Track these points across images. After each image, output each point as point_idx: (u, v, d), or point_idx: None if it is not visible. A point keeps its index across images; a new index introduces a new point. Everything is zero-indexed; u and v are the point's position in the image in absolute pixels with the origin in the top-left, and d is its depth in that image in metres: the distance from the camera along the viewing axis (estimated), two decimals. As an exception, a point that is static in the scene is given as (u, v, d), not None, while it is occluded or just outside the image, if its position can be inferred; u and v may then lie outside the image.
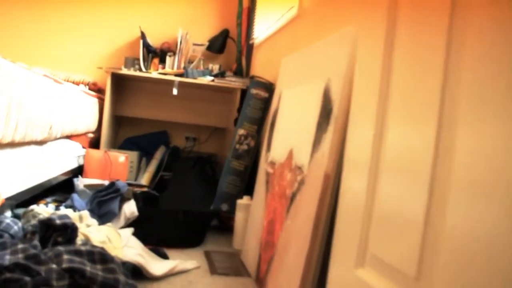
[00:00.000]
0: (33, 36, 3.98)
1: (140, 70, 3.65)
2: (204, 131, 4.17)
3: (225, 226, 2.87)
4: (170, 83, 3.59)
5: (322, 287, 1.43)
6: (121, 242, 1.86)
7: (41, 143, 2.21)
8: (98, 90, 3.68)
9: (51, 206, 2.17)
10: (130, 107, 3.95)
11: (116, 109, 3.87)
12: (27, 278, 1.27)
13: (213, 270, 2.09)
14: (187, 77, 3.55)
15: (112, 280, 1.43)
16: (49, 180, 2.52)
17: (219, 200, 2.69)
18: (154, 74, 3.50)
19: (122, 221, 2.27)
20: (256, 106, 2.68)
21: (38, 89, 1.90)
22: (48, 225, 1.56)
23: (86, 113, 2.96)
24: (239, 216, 2.49)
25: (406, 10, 1.04)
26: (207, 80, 3.51)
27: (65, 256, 1.42)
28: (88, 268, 1.41)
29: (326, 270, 1.55)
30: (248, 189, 2.81)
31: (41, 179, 2.22)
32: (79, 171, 3.12)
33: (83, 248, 1.49)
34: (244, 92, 3.49)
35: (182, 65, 3.77)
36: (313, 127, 1.68)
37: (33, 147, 2.10)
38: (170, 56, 3.79)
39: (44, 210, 1.90)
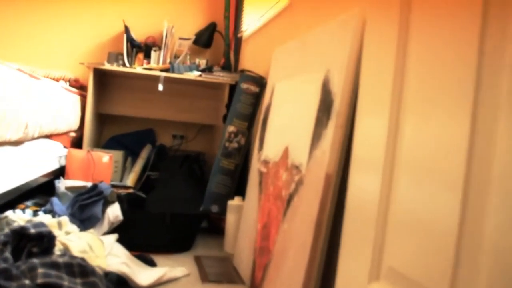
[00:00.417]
0: (10, 31, 3.80)
1: (124, 65, 3.50)
2: (192, 128, 4.02)
3: (215, 228, 2.74)
4: (156, 79, 3.44)
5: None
6: (104, 250, 1.71)
7: (16, 143, 2.05)
8: (81, 87, 3.51)
9: (28, 212, 2.01)
10: (114, 104, 3.79)
11: (100, 107, 3.70)
12: (-5, 297, 1.12)
13: (204, 277, 1.95)
14: (173, 72, 3.40)
15: (93, 295, 1.29)
16: (27, 183, 2.35)
17: (208, 201, 2.55)
18: (138, 69, 3.35)
19: (105, 226, 2.12)
20: (246, 101, 2.54)
21: (10, 84, 1.74)
22: (22, 234, 1.41)
23: (67, 111, 2.80)
24: (230, 218, 2.36)
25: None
26: (194, 75, 3.36)
27: (40, 270, 1.27)
28: (65, 283, 1.26)
29: (328, 279, 1.42)
30: (239, 190, 2.68)
31: (17, 182, 2.06)
32: (61, 172, 2.96)
33: (60, 260, 1.35)
34: (233, 88, 3.35)
35: (168, 60, 3.62)
36: (311, 122, 1.54)
37: (7, 148, 1.95)
38: (155, 51, 3.64)
39: (19, 217, 1.75)
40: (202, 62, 3.71)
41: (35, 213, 2.03)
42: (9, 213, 1.81)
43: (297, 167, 1.58)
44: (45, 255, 1.42)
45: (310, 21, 2.00)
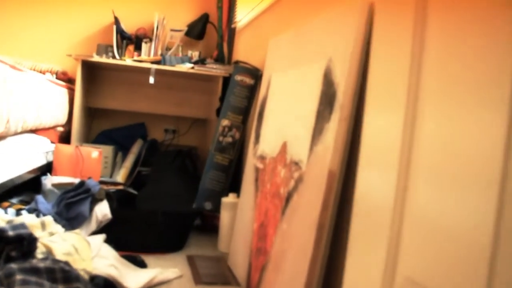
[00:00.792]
0: (-4, 22, 3.67)
1: (114, 57, 3.38)
2: (184, 122, 3.91)
3: (209, 225, 2.64)
4: (147, 72, 3.32)
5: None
6: (90, 252, 1.61)
7: (-2, 138, 1.95)
8: (69, 80, 3.39)
9: (11, 211, 1.90)
10: (103, 98, 3.67)
11: (89, 101, 3.59)
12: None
13: (198, 279, 1.85)
14: (164, 64, 3.29)
15: (76, 303, 1.19)
16: (11, 180, 2.24)
17: (201, 198, 2.45)
18: (128, 61, 3.23)
19: (93, 225, 2.02)
20: (241, 94, 2.44)
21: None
22: None
23: (53, 105, 2.69)
24: (224, 215, 2.26)
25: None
26: (186, 67, 3.25)
27: (18, 276, 1.16)
28: (46, 290, 1.16)
29: (330, 284, 1.33)
30: (234, 186, 2.58)
31: (0, 178, 1.96)
32: (48, 168, 2.85)
33: (41, 264, 1.24)
34: (226, 80, 3.25)
35: (159, 52, 3.50)
36: (311, 116, 1.44)
37: (-12, 143, 1.84)
38: (146, 42, 3.52)
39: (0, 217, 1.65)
40: (195, 54, 3.59)
41: (18, 212, 1.92)
42: (-11, 213, 1.70)
43: (296, 164, 1.48)
44: (25, 259, 1.31)
45: (308, 9, 1.90)
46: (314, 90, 1.47)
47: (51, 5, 3.73)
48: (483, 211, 0.63)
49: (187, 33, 3.70)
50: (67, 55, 3.26)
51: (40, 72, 3.02)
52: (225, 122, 2.45)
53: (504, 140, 0.61)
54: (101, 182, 2.90)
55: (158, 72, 3.33)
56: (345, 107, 1.27)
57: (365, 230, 0.95)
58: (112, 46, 3.46)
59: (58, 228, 1.71)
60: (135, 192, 2.89)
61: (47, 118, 2.58)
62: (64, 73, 3.27)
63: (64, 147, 2.90)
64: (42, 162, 2.69)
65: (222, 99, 3.16)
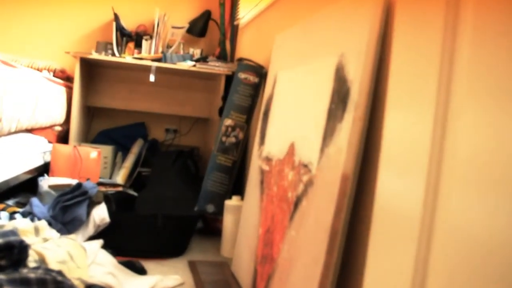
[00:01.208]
0: (-7, 19, 3.58)
1: (113, 55, 3.29)
2: (185, 122, 3.82)
3: (211, 229, 2.55)
4: (147, 69, 3.23)
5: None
6: (86, 259, 1.52)
7: (-10, 138, 1.86)
8: (67, 78, 3.30)
9: (4, 215, 1.82)
10: (103, 96, 3.58)
11: (88, 99, 3.50)
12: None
13: (200, 286, 1.76)
14: (165, 62, 3.19)
15: (70, 317, 1.10)
16: (6, 181, 2.16)
17: (203, 201, 2.36)
18: (128, 59, 3.14)
19: (91, 229, 1.93)
20: (244, 92, 2.34)
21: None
22: (-12, 245, 1.21)
23: (50, 103, 2.60)
24: (227, 219, 2.17)
25: None
26: (187, 65, 3.16)
27: (7, 289, 1.07)
28: (37, 303, 1.07)
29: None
30: (237, 188, 2.49)
31: (-7, 180, 1.87)
32: (45, 169, 2.76)
33: (32, 275, 1.15)
34: (229, 78, 3.16)
35: (160, 49, 3.41)
36: (322, 115, 1.35)
37: (-20, 143, 1.75)
38: (146, 40, 3.43)
39: (-10, 221, 1.56)
40: (196, 52, 3.50)
41: (11, 216, 1.83)
42: (-20, 217, 1.61)
43: (305, 166, 1.39)
44: (16, 268, 1.22)
45: (316, 2, 1.80)
46: (324, 87, 1.37)
47: (49, 1, 3.64)
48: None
49: (189, 30, 3.61)
50: (65, 52, 3.17)
51: (37, 69, 2.92)
52: (228, 122, 2.35)
53: None
54: (100, 184, 2.82)
55: (159, 70, 3.24)
56: (360, 106, 1.17)
57: (388, 241, 0.86)
58: (111, 44, 3.38)
59: (52, 233, 1.62)
60: (135, 193, 2.81)
61: (44, 117, 2.49)
62: (62, 71, 3.17)
63: (62, 147, 2.81)
64: (39, 162, 2.60)
65: (224, 98, 3.07)
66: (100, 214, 1.94)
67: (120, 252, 1.90)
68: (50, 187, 2.38)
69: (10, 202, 2.46)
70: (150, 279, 1.68)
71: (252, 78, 2.34)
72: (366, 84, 1.19)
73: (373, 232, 0.93)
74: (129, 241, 2.00)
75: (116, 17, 3.43)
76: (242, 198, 2.17)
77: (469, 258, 0.66)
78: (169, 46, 3.51)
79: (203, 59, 3.27)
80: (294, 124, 1.56)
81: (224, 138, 2.35)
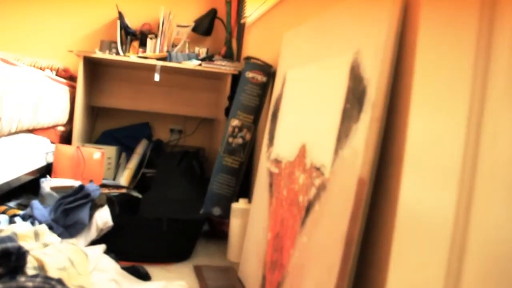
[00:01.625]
0: (-4, 17, 3.53)
1: (118, 54, 3.23)
2: (191, 122, 3.76)
3: (217, 232, 2.48)
4: (152, 69, 3.17)
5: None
6: (88, 265, 1.45)
7: (-10, 139, 1.80)
8: (71, 78, 3.25)
9: (4, 218, 1.75)
10: (107, 96, 3.52)
11: (91, 99, 3.44)
12: None
13: (206, 293, 1.70)
14: (170, 61, 3.13)
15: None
16: (7, 183, 2.10)
17: (209, 203, 2.29)
18: (133, 57, 3.07)
19: (93, 232, 1.87)
20: (252, 92, 2.28)
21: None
22: (-16, 251, 1.15)
23: (53, 103, 2.54)
24: (234, 223, 2.10)
25: None
26: (193, 64, 3.09)
27: (2, 299, 1.01)
28: (34, 315, 1.01)
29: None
30: (244, 191, 2.43)
31: (-7, 182, 1.81)
32: (48, 170, 2.70)
33: (30, 284, 1.09)
34: (235, 78, 3.09)
35: (165, 48, 3.35)
36: (336, 115, 1.28)
37: (-21, 144, 1.69)
38: (151, 38, 3.37)
39: (-12, 226, 1.49)
40: (202, 51, 3.44)
41: (11, 220, 1.77)
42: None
43: (318, 169, 1.32)
44: (13, 276, 1.16)
45: (325, 0, 1.74)
46: (338, 86, 1.31)
47: (53, 1, 3.58)
48: None
49: (194, 29, 3.55)
50: (69, 51, 3.11)
51: (40, 68, 2.87)
52: (235, 122, 2.29)
53: None
54: (103, 185, 2.76)
55: (164, 70, 3.18)
56: (377, 106, 1.11)
57: (414, 251, 0.79)
58: (116, 42, 3.32)
59: (53, 238, 1.55)
60: (139, 195, 2.75)
61: (46, 117, 2.43)
62: (65, 70, 3.12)
63: (64, 147, 2.76)
64: (41, 163, 2.55)
65: (231, 98, 3.01)
66: (103, 217, 1.88)
67: (123, 257, 1.84)
68: (52, 188, 2.33)
69: (12, 203, 2.41)
70: (155, 285, 1.62)
71: (260, 77, 2.27)
72: (384, 83, 1.12)
73: (396, 242, 0.86)
74: (133, 245, 1.94)
75: (121, 16, 3.37)
76: (249, 201, 2.11)
77: (508, 273, 0.59)
78: (174, 45, 3.45)
79: (209, 58, 3.20)
80: (305, 125, 1.50)
81: (230, 139, 2.29)
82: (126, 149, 3.40)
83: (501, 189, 0.62)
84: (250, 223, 1.90)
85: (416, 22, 1.07)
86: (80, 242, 1.80)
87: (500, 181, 0.62)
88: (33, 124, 2.21)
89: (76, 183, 2.46)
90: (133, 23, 3.48)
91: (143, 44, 3.36)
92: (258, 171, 1.93)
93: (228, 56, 3.44)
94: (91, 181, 2.32)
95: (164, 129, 3.76)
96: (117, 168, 3.31)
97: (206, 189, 2.31)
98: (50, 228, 1.76)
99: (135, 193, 2.87)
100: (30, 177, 2.55)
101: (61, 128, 2.88)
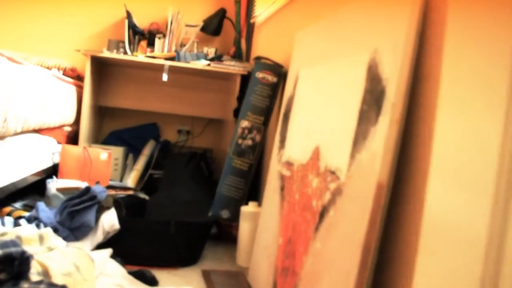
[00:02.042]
0: (3, 16, 3.49)
1: (125, 53, 3.19)
2: (199, 123, 3.71)
3: (225, 234, 2.43)
4: (160, 68, 3.13)
5: None
6: (93, 271, 1.41)
7: (-4, 139, 1.76)
8: (78, 77, 3.21)
9: (9, 220, 1.71)
10: (114, 96, 3.49)
11: (99, 99, 3.40)
12: None
13: (215, 299, 1.65)
14: (179, 61, 3.09)
15: None
16: (13, 183, 2.06)
17: (218, 206, 2.24)
18: (140, 57, 3.03)
19: (99, 235, 1.82)
20: (262, 93, 2.23)
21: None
22: (-14, 256, 1.11)
23: (59, 103, 2.50)
24: (244, 226, 2.05)
25: None
26: (202, 64, 3.05)
27: (4, 307, 0.97)
28: (37, 324, 0.96)
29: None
30: (253, 193, 2.38)
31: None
32: (54, 171, 2.67)
33: (33, 291, 1.05)
34: (244, 78, 3.05)
35: (173, 48, 3.30)
36: (352, 117, 1.23)
37: (-17, 144, 1.65)
38: (159, 38, 3.33)
39: (-8, 228, 1.45)
40: (211, 51, 3.39)
41: (16, 222, 1.73)
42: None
43: (333, 173, 1.27)
44: (17, 282, 1.12)
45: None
46: (354, 86, 1.26)
47: (61, 0, 3.55)
48: None
49: (203, 29, 3.50)
50: (76, 50, 3.08)
51: (47, 68, 2.83)
52: (244, 123, 2.24)
53: None
54: (110, 187, 2.72)
55: (172, 69, 3.14)
56: (397, 108, 1.05)
57: (443, 264, 0.74)
58: (123, 42, 3.29)
59: (58, 242, 1.51)
60: (146, 197, 2.71)
61: (53, 117, 2.40)
62: (73, 70, 3.08)
63: (71, 148, 2.72)
64: (48, 164, 2.51)
65: (240, 99, 2.97)
66: (110, 219, 1.84)
67: (129, 261, 1.80)
68: (58, 190, 2.29)
69: (18, 204, 2.37)
70: (162, 291, 1.57)
71: (271, 78, 2.22)
72: (404, 84, 1.07)
73: (422, 252, 0.81)
74: (140, 249, 1.89)
75: (129, 15, 3.33)
76: (259, 204, 2.06)
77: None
78: (182, 45, 3.41)
79: (217, 58, 3.16)
80: (319, 127, 1.44)
81: (240, 141, 2.24)
82: (133, 150, 3.37)
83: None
84: (260, 227, 1.85)
85: (439, 19, 1.02)
86: (86, 245, 1.76)
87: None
88: (40, 124, 2.17)
89: (82, 184, 2.42)
90: (141, 22, 3.44)
91: (151, 44, 3.32)
92: (268, 173, 1.88)
93: (237, 56, 3.40)
94: (97, 182, 2.28)
95: (171, 130, 3.72)
96: (124, 169, 3.27)
97: (214, 191, 2.27)
98: (56, 231, 1.72)
99: (142, 195, 2.83)
100: (36, 178, 2.52)
101: (68, 128, 2.84)
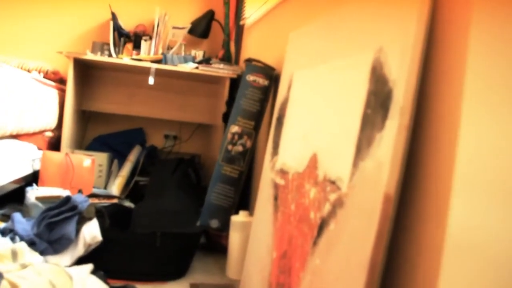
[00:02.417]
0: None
1: (110, 56, 3.07)
2: (186, 128, 3.61)
3: (214, 245, 2.32)
4: (146, 72, 3.02)
5: None
6: (72, 289, 1.30)
7: (-32, 145, 1.64)
8: (60, 81, 3.09)
9: (-20, 233, 1.59)
10: (99, 100, 3.37)
11: (82, 103, 3.28)
12: None
13: (204, 317, 1.54)
14: (166, 63, 2.98)
15: None
16: (-12, 192, 1.95)
17: (207, 215, 2.13)
18: (126, 60, 2.92)
19: (80, 248, 1.70)
20: (253, 96, 2.13)
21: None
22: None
23: (40, 107, 2.38)
24: (234, 237, 1.94)
25: None
26: (189, 67, 2.94)
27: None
28: None
29: None
30: (243, 202, 2.28)
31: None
32: (34, 178, 2.54)
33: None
34: (233, 82, 2.95)
35: (160, 51, 3.20)
36: (354, 122, 1.13)
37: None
38: (145, 40, 3.22)
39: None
40: (199, 54, 3.29)
41: (-11, 235, 1.61)
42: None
43: (333, 183, 1.17)
44: (-16, 306, 1.00)
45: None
46: (356, 89, 1.16)
47: (43, 1, 3.43)
48: None
49: (191, 31, 3.40)
50: (58, 52, 2.95)
51: (28, 71, 2.71)
52: (234, 129, 2.13)
53: None
54: (93, 195, 2.61)
55: (159, 73, 3.03)
56: (406, 112, 0.96)
57: (470, 280, 0.64)
58: (108, 44, 3.18)
59: (34, 258, 1.40)
60: (131, 205, 2.59)
61: (32, 122, 2.28)
62: (55, 73, 2.96)
63: (52, 154, 2.60)
64: (27, 171, 2.39)
65: (229, 103, 2.87)
66: (91, 231, 1.72)
67: (113, 275, 1.69)
68: (38, 198, 2.17)
69: (-5, 214, 2.25)
70: (147, 309, 1.46)
71: (262, 81, 2.12)
72: (413, 85, 0.97)
73: (445, 274, 0.71)
74: (124, 262, 1.78)
75: (114, 16, 3.22)
76: (250, 214, 1.96)
77: None
78: (169, 48, 3.31)
79: (206, 61, 3.05)
80: (317, 132, 1.34)
81: (230, 147, 2.13)
82: (118, 156, 3.25)
83: None
84: (252, 238, 1.74)
85: (455, 16, 0.93)
86: (65, 259, 1.64)
87: None
88: (17, 129, 2.05)
89: (64, 192, 2.30)
90: (127, 24, 3.33)
91: (137, 46, 3.21)
92: (261, 182, 1.78)
93: (226, 59, 3.30)
94: (80, 190, 2.16)
95: (158, 135, 3.61)
96: (109, 175, 3.15)
97: (203, 199, 2.16)
98: (33, 244, 1.60)
99: (128, 203, 2.72)
100: (15, 186, 2.39)
101: (49, 134, 2.72)
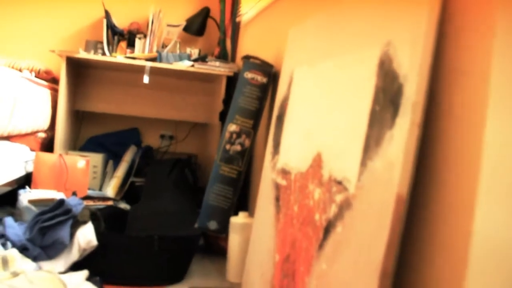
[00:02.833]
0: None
1: (104, 54, 3.01)
2: (182, 127, 3.55)
3: (214, 247, 2.27)
4: (140, 70, 2.96)
5: None
6: (66, 297, 1.24)
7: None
8: (53, 80, 3.03)
9: (-30, 239, 1.53)
10: (93, 100, 3.30)
11: (76, 103, 3.21)
12: None
13: (204, 323, 1.49)
14: (160, 62, 2.92)
15: None
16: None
17: (205, 216, 2.08)
18: (120, 58, 2.86)
19: (75, 253, 1.64)
20: (251, 94, 2.07)
21: None
22: None
23: (31, 107, 2.31)
24: (233, 239, 1.89)
25: None
26: (185, 65, 2.88)
27: None
28: None
29: None
30: (242, 202, 2.23)
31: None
32: (27, 180, 2.48)
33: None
34: (230, 80, 2.90)
35: (155, 49, 3.13)
36: (362, 119, 1.08)
37: None
38: (140, 38, 3.16)
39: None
40: (194, 52, 3.23)
41: (-21, 240, 1.55)
42: None
43: (339, 183, 1.12)
44: (-28, 318, 0.94)
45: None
46: (363, 84, 1.10)
47: (34, -2, 3.37)
48: None
49: (186, 29, 3.34)
50: (50, 51, 2.89)
51: (19, 70, 2.64)
52: (232, 127, 2.08)
53: None
54: (88, 197, 2.54)
55: (154, 71, 2.97)
56: (418, 108, 0.91)
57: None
58: (102, 43, 3.12)
59: (25, 265, 1.34)
60: (127, 207, 2.53)
61: (24, 123, 2.21)
62: (47, 72, 2.89)
63: (45, 155, 2.53)
64: (20, 173, 2.33)
65: (226, 101, 2.82)
66: (86, 235, 1.66)
67: (109, 280, 1.64)
68: (30, 201, 2.10)
69: (-13, 218, 2.19)
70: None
71: (260, 78, 2.07)
72: (425, 80, 0.92)
73: (472, 280, 0.66)
74: (120, 267, 1.72)
75: (107, 14, 3.16)
76: (250, 214, 1.91)
77: None
78: (164, 46, 3.25)
79: (201, 59, 2.99)
80: (321, 130, 1.29)
81: (228, 146, 2.08)
82: (113, 157, 3.20)
83: None
84: (253, 240, 1.69)
85: (472, 8, 0.88)
86: (59, 264, 1.58)
87: None
88: (9, 130, 1.99)
89: (58, 195, 2.24)
90: (121, 22, 3.27)
91: (131, 45, 3.15)
92: (261, 182, 1.72)
93: (222, 57, 3.24)
94: (74, 192, 2.11)
95: (154, 135, 3.56)
96: (104, 177, 3.10)
97: (200, 200, 2.10)
98: (25, 249, 1.54)
99: (123, 205, 2.66)
100: (7, 189, 2.33)
101: (42, 135, 2.65)
